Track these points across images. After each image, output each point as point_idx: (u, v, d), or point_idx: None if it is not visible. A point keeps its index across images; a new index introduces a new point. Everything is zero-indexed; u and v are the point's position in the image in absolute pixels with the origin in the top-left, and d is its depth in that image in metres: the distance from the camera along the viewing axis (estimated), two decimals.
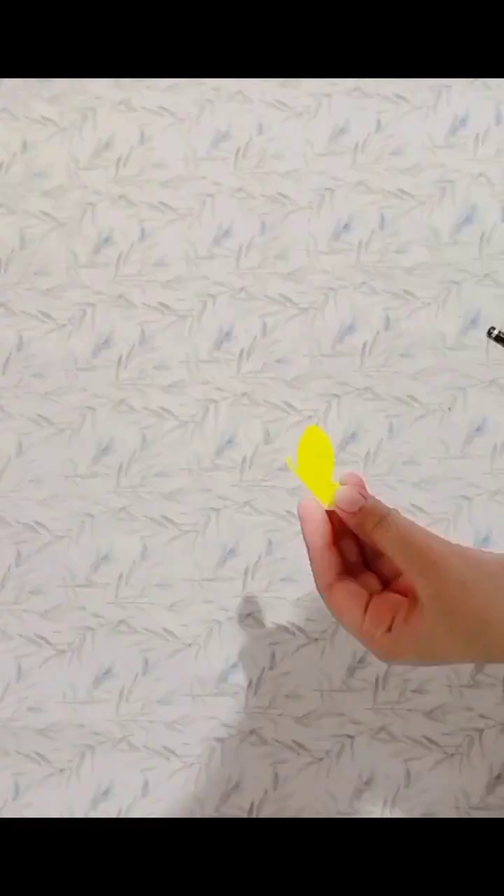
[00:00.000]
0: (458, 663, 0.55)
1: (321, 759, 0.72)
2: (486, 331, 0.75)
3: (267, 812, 0.71)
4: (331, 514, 0.57)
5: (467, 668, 0.72)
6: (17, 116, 0.80)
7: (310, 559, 0.57)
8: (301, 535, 0.58)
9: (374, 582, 0.58)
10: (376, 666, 0.72)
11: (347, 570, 0.58)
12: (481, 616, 0.52)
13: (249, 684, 0.73)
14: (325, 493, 0.57)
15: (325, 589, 0.56)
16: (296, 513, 0.66)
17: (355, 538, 0.59)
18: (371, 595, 0.56)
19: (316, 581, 0.57)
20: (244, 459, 0.75)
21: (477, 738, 0.71)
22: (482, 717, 0.71)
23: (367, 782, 0.71)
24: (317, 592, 0.57)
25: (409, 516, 0.73)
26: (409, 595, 0.55)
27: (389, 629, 0.54)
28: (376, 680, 0.72)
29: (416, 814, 0.70)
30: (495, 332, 0.75)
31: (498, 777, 0.71)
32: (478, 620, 0.52)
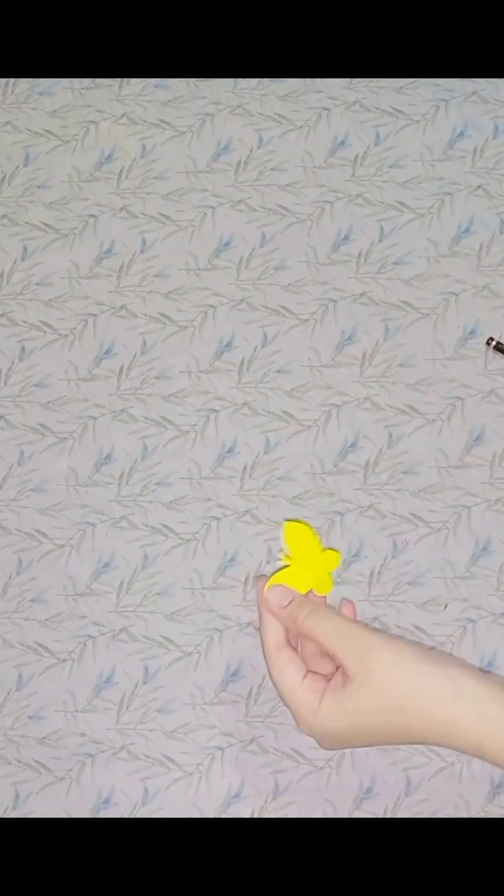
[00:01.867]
0: (382, 745, 0.60)
1: (321, 768, 0.72)
2: (485, 339, 0.76)
3: None
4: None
5: None
6: (20, 129, 0.81)
7: (261, 618, 0.62)
8: None
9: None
10: None
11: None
12: (402, 695, 0.57)
13: (249, 693, 0.73)
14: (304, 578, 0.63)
15: (274, 649, 0.62)
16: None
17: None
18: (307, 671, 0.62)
19: (265, 639, 0.62)
20: (244, 469, 0.76)
21: None
22: None
23: (367, 791, 0.71)
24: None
25: (409, 526, 0.74)
26: (339, 673, 0.59)
27: (321, 700, 0.59)
28: None
29: None
30: (494, 342, 0.75)
31: (498, 786, 0.71)
32: (399, 699, 0.57)
